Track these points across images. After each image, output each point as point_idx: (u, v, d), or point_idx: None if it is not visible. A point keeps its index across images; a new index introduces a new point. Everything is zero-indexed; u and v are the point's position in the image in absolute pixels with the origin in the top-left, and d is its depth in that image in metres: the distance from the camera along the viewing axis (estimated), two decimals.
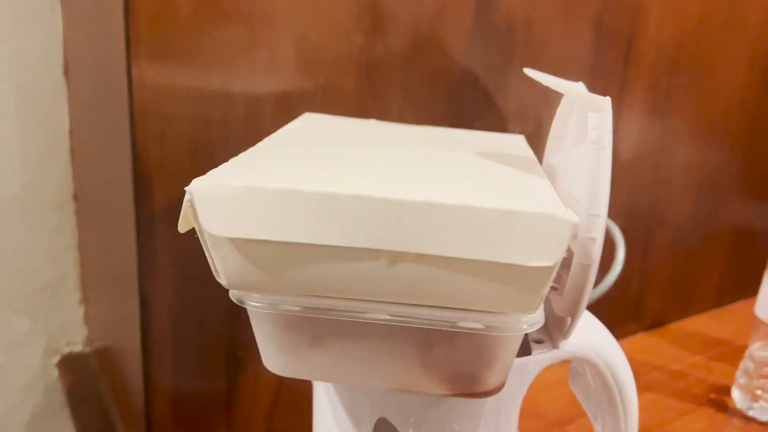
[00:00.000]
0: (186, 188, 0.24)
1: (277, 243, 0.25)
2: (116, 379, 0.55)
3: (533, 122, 0.59)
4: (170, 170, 0.44)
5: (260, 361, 0.48)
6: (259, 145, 0.32)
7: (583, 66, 0.62)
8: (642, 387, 0.67)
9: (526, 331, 0.26)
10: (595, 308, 0.40)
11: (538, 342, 0.32)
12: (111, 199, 0.51)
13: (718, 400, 0.65)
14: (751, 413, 0.63)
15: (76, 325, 0.67)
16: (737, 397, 0.64)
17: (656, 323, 0.79)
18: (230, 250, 0.25)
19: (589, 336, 0.33)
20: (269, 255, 0.25)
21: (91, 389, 0.58)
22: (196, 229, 0.25)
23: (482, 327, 0.25)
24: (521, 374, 0.31)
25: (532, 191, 0.26)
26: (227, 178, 0.25)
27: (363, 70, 0.48)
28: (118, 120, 0.44)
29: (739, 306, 0.86)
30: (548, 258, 0.23)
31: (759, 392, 0.63)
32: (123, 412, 0.54)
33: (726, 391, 0.66)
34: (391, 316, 0.26)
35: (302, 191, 0.24)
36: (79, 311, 0.68)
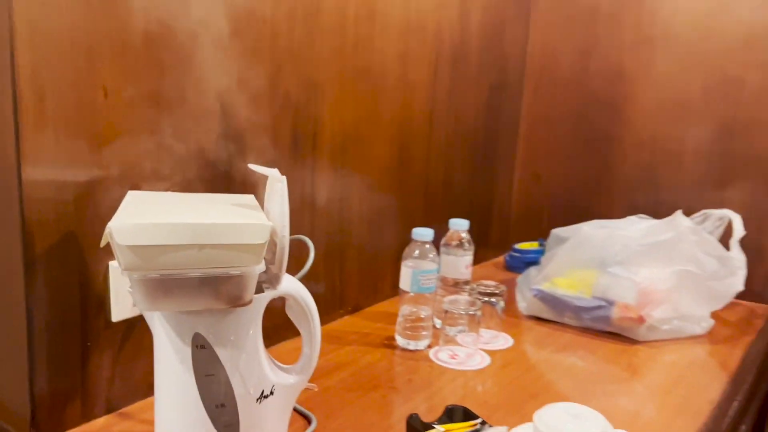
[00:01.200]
0: (108, 225, 0.58)
1: (150, 246, 0.59)
2: None
3: (257, 188, 0.98)
4: (49, 234, 0.73)
5: (103, 345, 0.79)
6: (121, 206, 0.65)
7: (288, 151, 1.03)
8: (344, 343, 1.09)
9: (258, 272, 0.63)
10: (318, 302, 0.77)
11: (267, 286, 0.70)
12: None
13: (389, 344, 1.10)
14: (407, 347, 1.08)
15: None
16: (398, 339, 1.09)
17: (355, 309, 1.23)
18: (127, 251, 0.59)
19: (290, 284, 0.72)
20: (146, 251, 0.59)
21: None
22: (111, 244, 0.59)
23: (240, 272, 0.63)
24: (259, 302, 0.69)
25: (256, 215, 0.65)
26: (124, 219, 0.59)
27: (156, 167, 0.83)
28: (6, 213, 0.72)
29: None
30: (263, 239, 0.62)
31: (408, 333, 1.08)
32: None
33: (393, 338, 1.11)
34: (201, 273, 0.61)
35: (162, 222, 0.59)
36: None
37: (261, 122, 0.97)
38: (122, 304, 0.82)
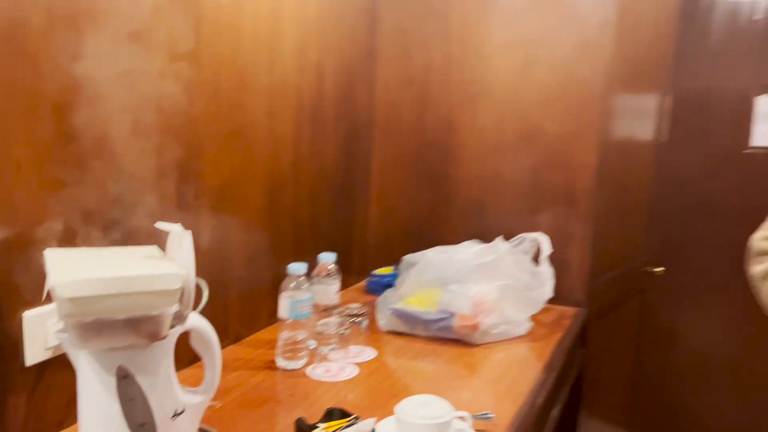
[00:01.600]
0: (49, 281, 0.71)
1: (84, 296, 0.73)
2: None
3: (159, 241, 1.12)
4: None
5: (19, 387, 0.90)
6: (50, 264, 0.78)
7: (175, 203, 1.18)
8: (232, 369, 1.24)
9: (172, 312, 0.79)
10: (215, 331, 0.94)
11: (176, 323, 0.85)
12: None
13: (271, 366, 1.27)
14: (287, 367, 1.25)
15: None
16: (279, 361, 1.27)
17: (237, 338, 1.39)
18: (66, 302, 0.72)
19: (195, 319, 0.88)
20: (83, 301, 0.73)
21: None
22: (53, 295, 0.72)
23: (158, 313, 0.78)
24: (172, 336, 0.84)
25: (167, 265, 0.80)
26: (63, 276, 0.72)
27: (64, 228, 0.95)
28: None
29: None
30: (177, 285, 0.78)
31: (288, 354, 1.26)
32: None
33: (274, 361, 1.28)
34: (126, 315, 0.76)
35: (96, 277, 0.73)
36: None
37: (150, 181, 1.11)
38: (35, 349, 0.93)
